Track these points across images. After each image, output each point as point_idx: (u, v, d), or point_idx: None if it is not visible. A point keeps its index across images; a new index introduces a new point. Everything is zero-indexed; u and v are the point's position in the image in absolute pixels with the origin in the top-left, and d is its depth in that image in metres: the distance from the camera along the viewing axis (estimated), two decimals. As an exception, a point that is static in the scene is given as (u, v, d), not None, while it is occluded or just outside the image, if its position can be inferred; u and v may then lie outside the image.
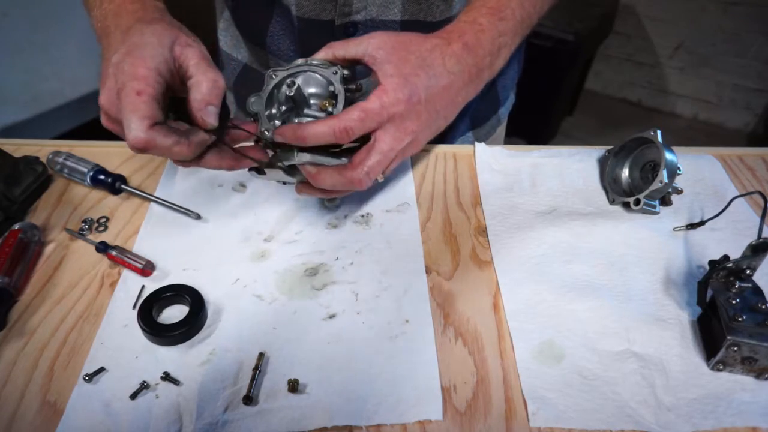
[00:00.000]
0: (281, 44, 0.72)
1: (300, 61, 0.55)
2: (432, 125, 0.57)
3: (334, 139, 0.50)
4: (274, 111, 0.54)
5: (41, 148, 0.71)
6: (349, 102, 0.54)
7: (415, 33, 0.56)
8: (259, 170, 0.56)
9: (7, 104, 1.33)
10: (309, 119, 0.53)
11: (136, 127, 0.44)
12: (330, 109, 0.53)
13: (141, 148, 0.45)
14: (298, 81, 0.53)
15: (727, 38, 2.38)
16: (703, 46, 2.45)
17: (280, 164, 0.54)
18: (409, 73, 0.53)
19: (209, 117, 0.47)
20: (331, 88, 0.54)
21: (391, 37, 0.54)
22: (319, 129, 0.50)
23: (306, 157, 0.53)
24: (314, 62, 0.54)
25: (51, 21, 1.35)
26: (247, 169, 0.56)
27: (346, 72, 0.54)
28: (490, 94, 0.83)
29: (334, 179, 0.53)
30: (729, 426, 0.46)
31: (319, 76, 0.54)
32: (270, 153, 0.56)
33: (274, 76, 0.54)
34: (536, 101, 2.20)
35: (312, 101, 0.54)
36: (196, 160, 0.51)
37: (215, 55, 0.85)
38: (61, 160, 0.67)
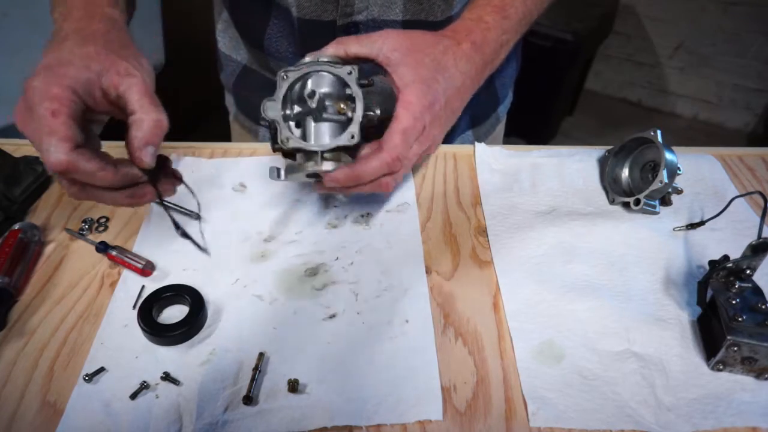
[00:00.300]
0: (280, 46, 0.72)
1: (309, 58, 0.53)
2: (448, 126, 0.58)
3: (389, 170, 0.52)
4: (288, 112, 0.53)
5: (41, 148, 0.71)
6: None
7: (425, 32, 0.56)
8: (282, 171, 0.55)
9: (7, 104, 1.33)
10: (326, 123, 0.53)
11: (56, 150, 0.42)
12: (348, 113, 0.52)
13: (63, 171, 0.43)
14: (318, 89, 0.53)
15: (727, 38, 2.38)
16: (703, 46, 2.45)
17: (304, 171, 0.53)
18: (429, 78, 0.53)
19: (147, 157, 0.45)
20: (348, 91, 0.53)
21: (404, 38, 0.54)
22: (373, 167, 0.51)
23: (329, 165, 0.53)
24: (325, 59, 0.53)
25: (51, 21, 1.35)
26: (268, 173, 0.55)
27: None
28: (489, 92, 0.83)
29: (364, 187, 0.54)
30: (729, 426, 0.46)
31: (332, 75, 0.53)
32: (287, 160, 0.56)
33: (285, 77, 0.53)
34: (536, 101, 2.20)
35: (327, 103, 0.53)
36: (87, 192, 0.47)
37: (214, 57, 0.86)
38: (61, 160, 0.67)
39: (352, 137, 0.52)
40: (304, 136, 0.54)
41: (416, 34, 0.55)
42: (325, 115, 0.53)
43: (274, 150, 0.55)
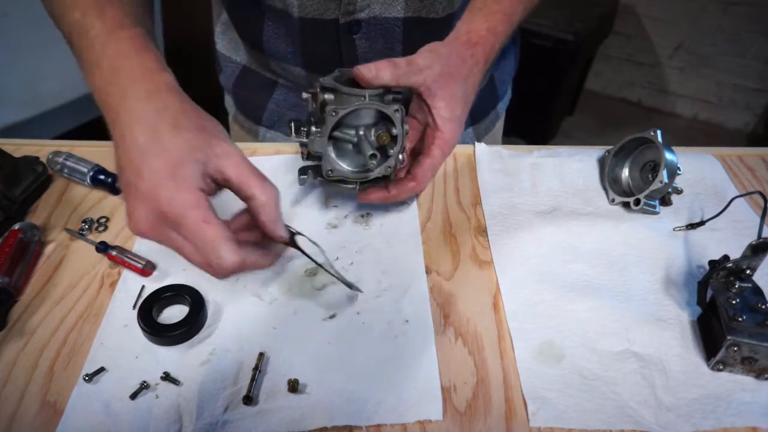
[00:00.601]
0: (278, 46, 0.72)
1: (356, 89, 0.53)
2: None
3: (415, 194, 0.64)
4: (331, 147, 0.56)
5: (41, 148, 0.71)
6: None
7: (455, 50, 0.58)
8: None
9: (7, 104, 1.33)
10: (367, 153, 0.55)
11: (228, 254, 0.41)
12: (389, 150, 0.55)
13: (236, 271, 0.43)
14: (360, 122, 0.55)
15: (727, 38, 2.38)
16: (703, 46, 2.45)
17: (338, 189, 0.60)
18: (460, 115, 0.58)
19: (283, 231, 0.46)
20: (395, 132, 0.55)
21: (444, 64, 0.56)
22: (404, 193, 0.59)
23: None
24: (373, 94, 0.53)
25: (51, 21, 1.34)
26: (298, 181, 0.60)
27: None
28: (489, 89, 0.84)
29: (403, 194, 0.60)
30: (729, 426, 0.46)
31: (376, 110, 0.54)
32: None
33: (335, 114, 0.53)
34: (536, 101, 2.20)
35: (367, 132, 0.55)
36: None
37: (213, 58, 0.86)
38: (61, 160, 0.67)
39: (389, 168, 0.57)
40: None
41: (451, 56, 0.57)
42: (366, 148, 0.55)
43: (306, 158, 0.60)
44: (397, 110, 0.54)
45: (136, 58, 0.45)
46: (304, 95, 0.58)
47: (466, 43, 0.59)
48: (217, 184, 0.45)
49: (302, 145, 0.57)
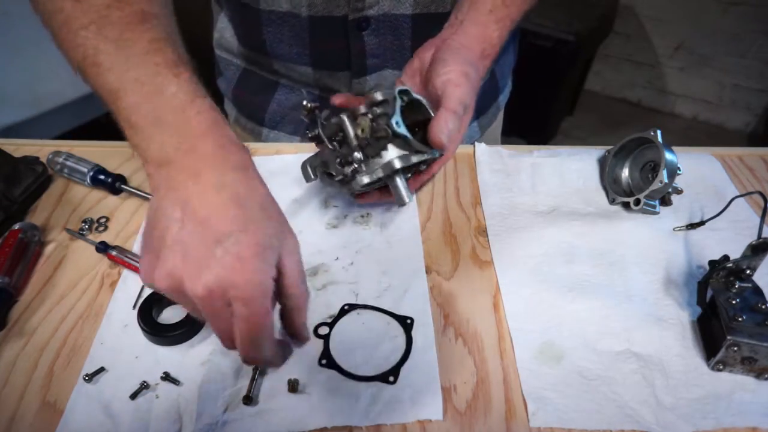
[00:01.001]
0: (281, 48, 0.72)
1: (381, 95, 0.52)
2: None
3: None
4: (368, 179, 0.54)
5: (41, 148, 0.71)
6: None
7: (474, 59, 0.57)
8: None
9: (7, 104, 1.33)
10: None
11: (268, 350, 0.39)
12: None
13: (263, 364, 0.42)
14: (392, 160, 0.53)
15: (727, 38, 2.38)
16: (703, 46, 2.45)
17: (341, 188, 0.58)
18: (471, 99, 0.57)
19: (307, 333, 0.43)
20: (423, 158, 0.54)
21: (469, 82, 0.55)
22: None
23: (366, 178, 0.53)
24: (422, 157, 0.54)
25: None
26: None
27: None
28: (491, 83, 0.84)
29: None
30: (729, 426, 0.46)
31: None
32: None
33: (396, 169, 0.53)
34: (536, 101, 2.20)
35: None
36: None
37: (211, 64, 0.86)
38: (61, 160, 0.67)
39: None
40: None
41: (472, 69, 0.56)
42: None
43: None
44: (434, 155, 0.55)
45: (214, 132, 0.41)
46: (346, 121, 0.53)
47: (480, 54, 0.59)
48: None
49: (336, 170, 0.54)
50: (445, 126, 0.51)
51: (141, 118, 0.41)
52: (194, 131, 0.40)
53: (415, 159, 0.53)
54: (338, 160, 0.53)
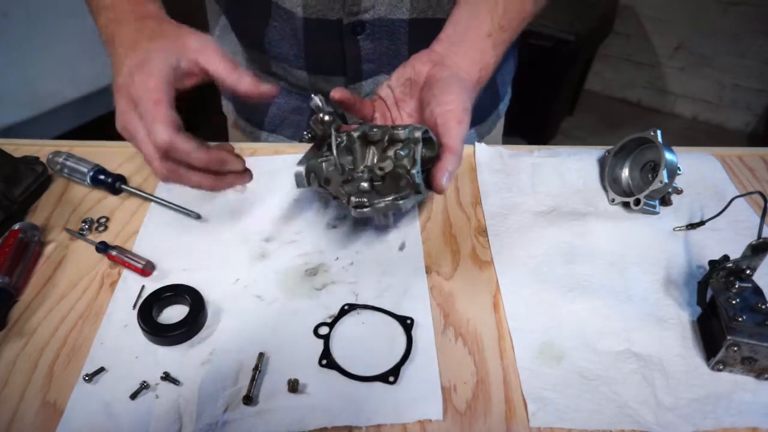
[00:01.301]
0: (280, 47, 0.72)
1: (405, 133, 0.51)
2: None
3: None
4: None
5: (41, 148, 0.71)
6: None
7: (468, 85, 0.56)
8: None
9: (7, 104, 1.33)
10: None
11: (162, 131, 0.47)
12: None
13: (165, 150, 0.48)
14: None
15: (727, 38, 2.38)
16: (703, 46, 2.45)
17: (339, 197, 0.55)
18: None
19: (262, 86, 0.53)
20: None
21: (468, 116, 0.54)
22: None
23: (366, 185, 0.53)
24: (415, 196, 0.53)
25: (51, 20, 1.34)
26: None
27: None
28: (491, 90, 0.84)
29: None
30: (729, 426, 0.46)
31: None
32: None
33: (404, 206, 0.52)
34: (536, 101, 2.20)
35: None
36: (177, 173, 0.52)
37: None
38: (61, 160, 0.67)
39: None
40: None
41: (470, 101, 0.55)
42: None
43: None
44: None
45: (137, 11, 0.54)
46: (369, 153, 0.54)
47: (476, 80, 0.59)
48: (194, 75, 0.52)
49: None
50: (447, 170, 0.52)
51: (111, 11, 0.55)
52: (108, 14, 0.55)
53: (414, 199, 0.54)
54: (342, 179, 0.53)
